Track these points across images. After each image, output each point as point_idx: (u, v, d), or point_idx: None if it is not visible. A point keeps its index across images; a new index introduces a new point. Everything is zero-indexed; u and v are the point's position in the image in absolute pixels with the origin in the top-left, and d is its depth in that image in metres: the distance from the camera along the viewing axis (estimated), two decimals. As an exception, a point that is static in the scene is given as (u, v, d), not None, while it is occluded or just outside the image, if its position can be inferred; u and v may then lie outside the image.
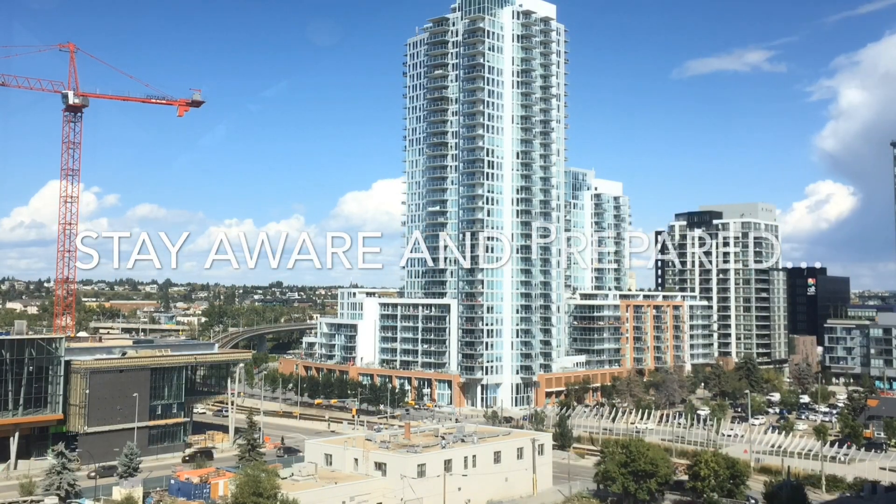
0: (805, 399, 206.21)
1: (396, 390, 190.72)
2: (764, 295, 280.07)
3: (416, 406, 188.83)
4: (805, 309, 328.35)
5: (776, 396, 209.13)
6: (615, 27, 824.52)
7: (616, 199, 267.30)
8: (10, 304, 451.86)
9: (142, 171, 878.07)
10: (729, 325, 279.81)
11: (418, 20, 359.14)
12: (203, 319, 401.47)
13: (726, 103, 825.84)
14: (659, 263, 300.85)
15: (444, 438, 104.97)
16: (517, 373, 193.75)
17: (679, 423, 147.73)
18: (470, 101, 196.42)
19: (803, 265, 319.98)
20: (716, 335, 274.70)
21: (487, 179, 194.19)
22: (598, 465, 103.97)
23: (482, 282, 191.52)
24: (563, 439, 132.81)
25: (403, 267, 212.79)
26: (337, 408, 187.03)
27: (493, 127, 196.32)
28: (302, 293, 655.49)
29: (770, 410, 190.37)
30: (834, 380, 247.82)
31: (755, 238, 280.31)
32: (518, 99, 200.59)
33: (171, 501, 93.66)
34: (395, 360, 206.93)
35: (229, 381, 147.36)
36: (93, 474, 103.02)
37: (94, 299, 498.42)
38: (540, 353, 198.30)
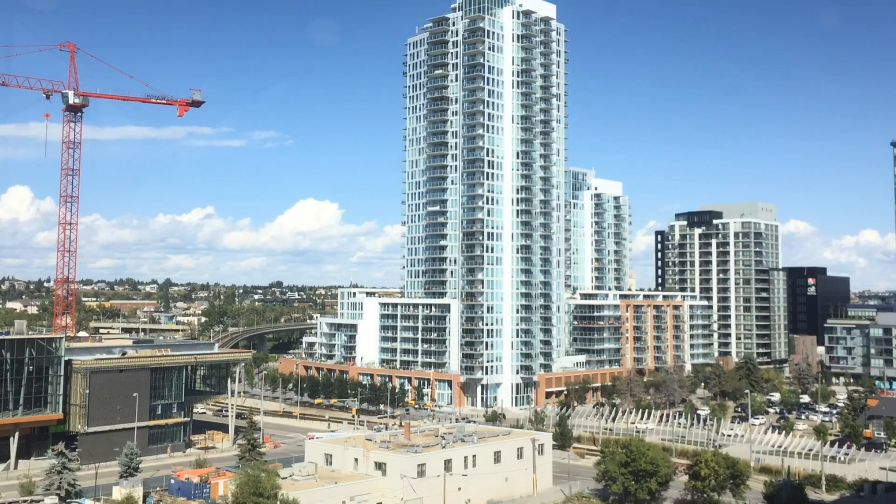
0: (805, 399, 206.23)
1: (396, 390, 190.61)
2: (764, 295, 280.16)
3: (417, 406, 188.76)
4: (805, 309, 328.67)
5: (776, 396, 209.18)
6: (615, 27, 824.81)
7: (616, 198, 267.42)
8: (10, 304, 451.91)
9: (141, 170, 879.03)
10: (729, 325, 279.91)
11: (418, 20, 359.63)
12: (203, 319, 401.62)
13: (726, 103, 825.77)
14: (659, 263, 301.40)
15: (444, 438, 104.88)
16: (517, 372, 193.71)
17: (679, 423, 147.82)
18: (470, 100, 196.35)
19: (804, 265, 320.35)
20: (716, 335, 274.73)
21: (487, 179, 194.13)
22: (598, 465, 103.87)
23: (482, 282, 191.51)
24: (564, 439, 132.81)
25: (404, 267, 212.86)
26: (337, 407, 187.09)
27: (493, 127, 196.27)
28: (302, 293, 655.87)
29: (770, 410, 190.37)
30: (834, 380, 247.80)
31: (755, 238, 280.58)
32: (518, 99, 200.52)
33: (171, 501, 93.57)
34: (396, 360, 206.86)
35: (229, 380, 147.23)
36: None
37: (94, 299, 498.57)
38: (540, 353, 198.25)
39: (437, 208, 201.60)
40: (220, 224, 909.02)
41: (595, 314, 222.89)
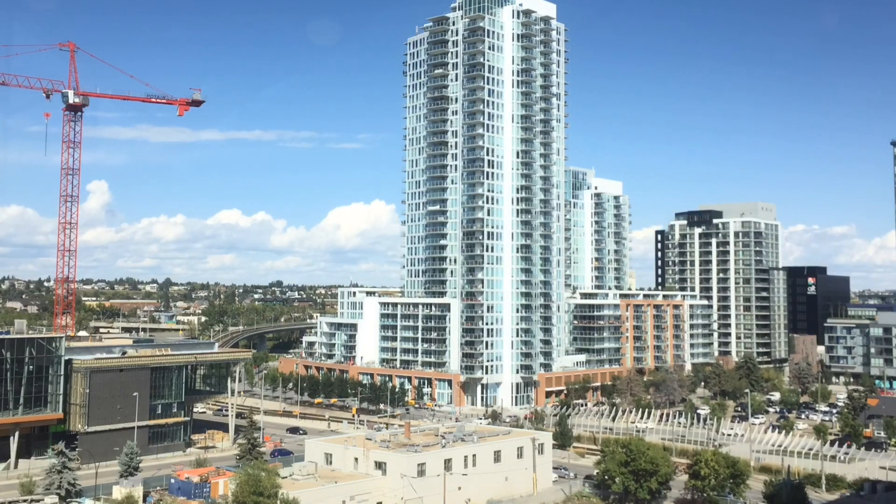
0: (805, 398, 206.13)
1: (396, 389, 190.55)
2: (764, 294, 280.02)
3: (417, 405, 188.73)
4: (805, 308, 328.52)
5: (776, 396, 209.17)
6: (615, 27, 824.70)
7: (616, 198, 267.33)
8: (9, 304, 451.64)
9: (141, 169, 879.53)
10: (729, 325, 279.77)
11: (418, 20, 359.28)
12: (203, 319, 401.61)
13: (727, 102, 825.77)
14: (659, 263, 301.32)
15: (444, 438, 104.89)
16: (517, 372, 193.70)
17: (679, 423, 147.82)
18: (470, 100, 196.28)
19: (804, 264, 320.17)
20: (716, 334, 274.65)
21: (487, 179, 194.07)
22: (598, 465, 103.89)
23: (482, 281, 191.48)
24: (564, 438, 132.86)
25: (404, 266, 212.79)
26: (337, 407, 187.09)
27: (493, 126, 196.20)
28: (302, 292, 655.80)
29: (770, 410, 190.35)
30: (834, 379, 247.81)
31: (755, 237, 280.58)
32: (518, 98, 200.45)
33: (171, 501, 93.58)
34: (396, 360, 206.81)
35: (229, 380, 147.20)
36: None
37: (94, 299, 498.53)
38: (540, 353, 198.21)
39: (437, 208, 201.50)
40: (262, 225, 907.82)
41: (595, 314, 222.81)
